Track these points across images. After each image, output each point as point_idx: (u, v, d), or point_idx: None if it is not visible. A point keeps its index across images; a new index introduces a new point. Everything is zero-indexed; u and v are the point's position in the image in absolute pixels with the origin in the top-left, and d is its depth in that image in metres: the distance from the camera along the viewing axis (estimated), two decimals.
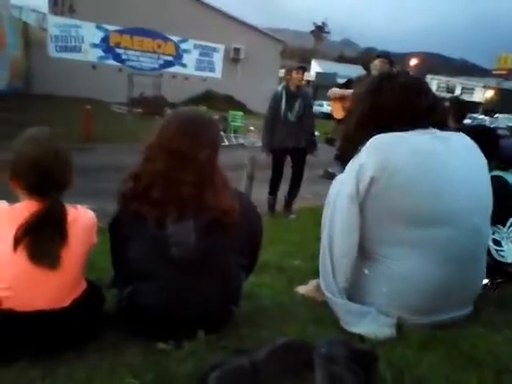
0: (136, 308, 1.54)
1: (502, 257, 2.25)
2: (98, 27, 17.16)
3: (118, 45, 17.44)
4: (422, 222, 1.60)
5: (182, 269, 1.51)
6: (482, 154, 1.75)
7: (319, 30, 79.41)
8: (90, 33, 17.02)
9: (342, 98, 4.69)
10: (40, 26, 20.51)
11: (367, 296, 1.70)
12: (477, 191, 1.68)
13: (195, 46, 19.03)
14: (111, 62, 17.62)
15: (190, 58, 18.91)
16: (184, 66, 18.86)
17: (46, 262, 1.39)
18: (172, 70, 18.85)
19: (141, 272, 1.54)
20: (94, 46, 17.16)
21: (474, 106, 37.08)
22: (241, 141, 13.93)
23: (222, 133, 11.42)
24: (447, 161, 1.64)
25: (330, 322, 1.71)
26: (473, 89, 47.94)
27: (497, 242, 2.27)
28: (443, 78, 50.35)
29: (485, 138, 2.20)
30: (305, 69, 5.59)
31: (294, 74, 5.23)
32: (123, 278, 1.62)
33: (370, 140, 1.66)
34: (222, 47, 19.89)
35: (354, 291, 1.71)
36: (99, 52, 17.29)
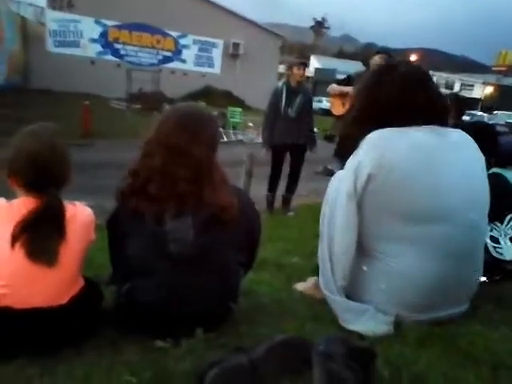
0: (134, 305, 1.54)
1: (500, 254, 2.25)
2: (97, 22, 17.11)
3: (116, 40, 17.40)
4: (420, 218, 1.60)
5: (180, 265, 1.51)
6: (479, 151, 1.75)
7: (319, 26, 79.10)
8: (89, 28, 16.96)
9: (341, 95, 4.68)
10: (38, 21, 20.39)
11: (366, 293, 1.70)
12: (474, 187, 1.68)
13: (194, 42, 18.98)
14: (110, 57, 17.58)
15: (189, 54, 18.87)
16: (183, 61, 18.82)
17: (44, 259, 1.39)
18: (171, 65, 18.80)
19: (139, 269, 1.54)
20: (93, 41, 17.12)
21: (473, 103, 37.06)
22: (239, 137, 13.90)
23: (220, 129, 11.38)
24: (445, 156, 1.64)
25: (329, 320, 1.71)
26: (472, 85, 47.85)
27: (495, 240, 2.27)
28: (443, 75, 50.22)
29: (484, 135, 2.20)
30: (306, 65, 5.58)
31: (295, 70, 5.22)
32: (121, 275, 1.62)
33: (368, 136, 1.66)
34: (221, 42, 19.82)
35: (353, 288, 1.71)
36: (98, 47, 17.24)
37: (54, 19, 16.84)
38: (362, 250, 1.70)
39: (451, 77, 50.52)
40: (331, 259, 1.69)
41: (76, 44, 16.98)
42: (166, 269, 1.51)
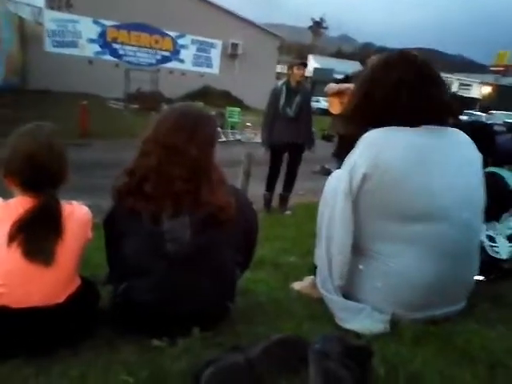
0: (131, 304, 1.54)
1: (497, 253, 2.25)
2: (95, 22, 17.05)
3: (115, 40, 17.34)
4: (415, 217, 1.60)
5: (177, 265, 1.51)
6: (476, 149, 1.75)
7: (317, 26, 79.07)
8: (87, 28, 16.90)
9: (339, 93, 4.69)
10: (36, 21, 20.33)
11: (362, 291, 1.70)
12: (470, 187, 1.68)
13: (193, 42, 18.94)
14: (108, 57, 17.52)
15: (188, 54, 18.83)
16: (181, 61, 18.77)
17: (41, 259, 1.39)
18: (169, 65, 18.75)
19: (136, 268, 1.54)
20: (91, 41, 17.05)
21: (471, 103, 37.11)
22: (238, 137, 13.90)
23: (219, 129, 11.38)
24: (441, 156, 1.64)
25: (326, 319, 1.71)
26: (470, 85, 47.92)
27: (491, 238, 2.27)
28: (441, 74, 50.23)
29: (481, 135, 2.20)
30: (306, 65, 5.59)
31: (296, 70, 5.24)
32: (118, 275, 1.62)
33: (364, 135, 1.66)
34: (219, 43, 19.79)
35: (349, 287, 1.72)
36: (96, 47, 17.18)
37: (52, 19, 16.78)
38: (359, 249, 1.70)
39: (449, 77, 50.56)
40: (328, 258, 1.69)
41: (74, 44, 16.92)
42: (162, 268, 1.51)
